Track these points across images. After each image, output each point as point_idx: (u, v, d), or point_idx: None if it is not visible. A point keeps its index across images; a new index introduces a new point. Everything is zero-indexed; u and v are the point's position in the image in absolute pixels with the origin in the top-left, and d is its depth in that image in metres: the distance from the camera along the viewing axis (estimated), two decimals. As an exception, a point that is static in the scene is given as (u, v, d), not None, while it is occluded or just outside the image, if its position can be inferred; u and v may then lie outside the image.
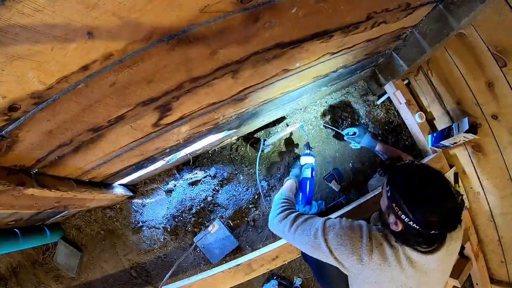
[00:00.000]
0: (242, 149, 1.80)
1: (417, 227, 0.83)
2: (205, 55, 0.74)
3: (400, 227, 0.88)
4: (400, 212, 0.86)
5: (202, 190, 1.73)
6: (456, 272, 1.60)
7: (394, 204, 0.88)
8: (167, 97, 0.85)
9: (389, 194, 0.91)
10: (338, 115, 1.83)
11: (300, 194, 1.51)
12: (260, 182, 1.77)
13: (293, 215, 1.09)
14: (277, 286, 1.65)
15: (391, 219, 0.91)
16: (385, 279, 0.93)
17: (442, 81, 1.47)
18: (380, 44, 1.30)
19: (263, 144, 1.66)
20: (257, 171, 1.61)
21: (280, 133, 1.67)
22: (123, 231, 1.69)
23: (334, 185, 1.71)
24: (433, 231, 0.83)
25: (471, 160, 1.49)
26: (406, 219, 0.84)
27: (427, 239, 0.89)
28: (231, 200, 1.74)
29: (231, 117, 1.26)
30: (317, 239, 0.97)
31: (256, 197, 1.75)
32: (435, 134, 1.52)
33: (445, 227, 0.85)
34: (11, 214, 1.21)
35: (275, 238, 1.69)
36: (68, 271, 1.64)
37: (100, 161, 1.10)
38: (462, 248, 1.66)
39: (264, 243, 1.68)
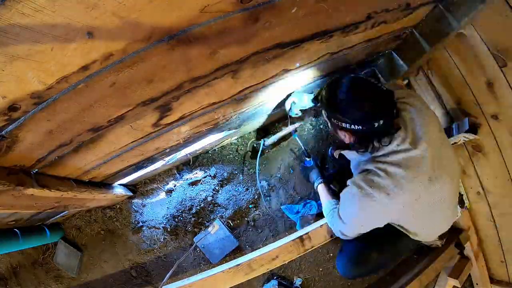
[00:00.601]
0: (242, 149, 1.80)
1: (360, 127, 0.89)
2: (205, 55, 0.74)
3: (350, 137, 0.96)
4: (340, 123, 0.93)
5: (202, 190, 1.73)
6: (456, 272, 1.60)
7: (333, 120, 0.95)
8: (167, 97, 0.84)
9: (326, 115, 1.00)
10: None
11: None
12: (260, 182, 1.77)
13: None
14: (277, 286, 1.65)
15: (341, 135, 0.99)
16: (407, 201, 0.97)
17: (442, 81, 1.47)
18: (380, 44, 1.29)
19: (263, 145, 1.66)
20: (257, 171, 1.61)
21: (280, 133, 1.67)
22: (123, 231, 1.69)
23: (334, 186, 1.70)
24: (376, 122, 0.87)
25: (471, 160, 1.49)
26: (347, 125, 0.91)
27: (380, 133, 0.92)
28: (231, 200, 1.74)
29: (231, 117, 1.26)
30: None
31: (256, 197, 1.75)
32: None
33: (383, 112, 0.88)
34: (11, 214, 1.21)
35: (275, 238, 1.69)
36: (68, 271, 1.64)
37: (100, 161, 1.10)
38: (462, 247, 1.66)
39: (264, 243, 1.68)
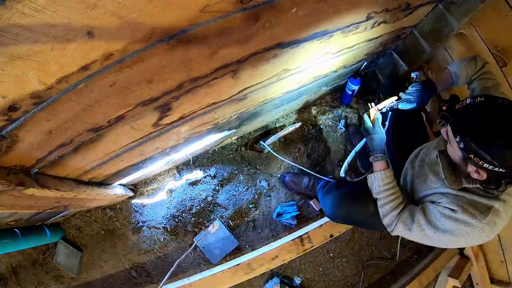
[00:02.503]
0: (242, 149, 1.80)
1: (504, 170, 0.75)
2: (205, 55, 0.74)
3: (483, 175, 0.81)
4: (481, 162, 0.77)
5: (202, 190, 1.73)
6: (456, 272, 1.60)
7: (472, 156, 0.78)
8: (167, 97, 0.84)
9: (462, 146, 0.80)
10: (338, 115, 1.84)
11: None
12: (260, 182, 1.77)
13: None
14: (279, 284, 1.65)
15: (470, 168, 0.84)
16: None
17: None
18: (380, 44, 1.30)
19: (263, 145, 1.66)
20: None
21: (280, 133, 1.67)
22: (123, 231, 1.69)
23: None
24: None
25: (471, 160, 1.48)
26: (490, 167, 0.76)
27: None
28: (231, 200, 1.74)
29: (231, 117, 1.26)
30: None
31: (256, 197, 1.75)
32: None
33: None
34: (11, 214, 1.21)
35: (275, 238, 1.69)
36: (68, 271, 1.64)
37: (100, 161, 1.10)
38: (462, 248, 1.66)
39: (264, 243, 1.68)
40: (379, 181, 1.11)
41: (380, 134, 1.14)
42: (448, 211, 0.93)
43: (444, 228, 0.94)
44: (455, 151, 0.87)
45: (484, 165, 0.77)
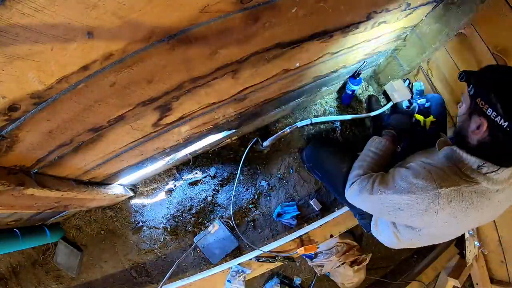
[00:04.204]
0: (242, 149, 1.79)
1: (506, 123, 0.73)
2: (205, 55, 0.74)
3: (483, 129, 0.79)
4: (486, 105, 0.76)
5: (202, 190, 1.73)
6: (456, 272, 1.60)
7: (478, 99, 0.79)
8: (167, 97, 0.84)
9: (472, 92, 0.82)
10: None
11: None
12: (260, 182, 1.77)
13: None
14: (279, 285, 1.65)
15: (473, 123, 0.82)
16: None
17: (442, 81, 1.47)
18: (380, 44, 1.30)
19: (261, 145, 1.66)
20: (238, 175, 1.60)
21: (279, 133, 1.67)
22: (123, 231, 1.69)
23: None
24: None
25: (471, 160, 1.48)
26: (493, 113, 0.75)
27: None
28: (231, 200, 1.74)
29: (231, 117, 1.26)
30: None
31: (256, 197, 1.75)
32: None
33: None
34: (11, 214, 1.21)
35: (275, 238, 1.69)
36: (68, 271, 1.64)
37: (100, 161, 1.10)
38: (463, 247, 1.66)
39: (264, 243, 1.68)
40: (374, 143, 1.17)
41: (407, 118, 1.26)
42: (410, 172, 0.91)
43: (396, 187, 0.91)
44: (464, 102, 0.87)
45: (488, 111, 0.76)
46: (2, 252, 1.36)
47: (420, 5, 1.08)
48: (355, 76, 1.54)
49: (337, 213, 1.53)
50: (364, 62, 1.41)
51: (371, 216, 1.21)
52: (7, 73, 0.51)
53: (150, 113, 0.89)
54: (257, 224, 1.73)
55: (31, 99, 0.60)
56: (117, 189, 1.49)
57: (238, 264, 1.34)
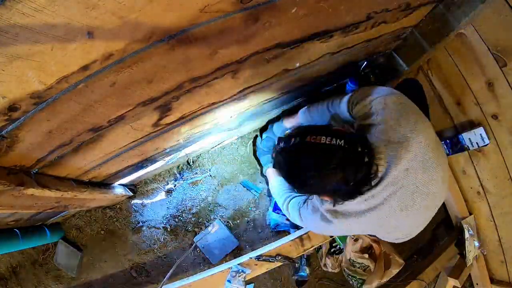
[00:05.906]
0: (242, 149, 1.79)
1: (337, 189, 0.81)
2: (205, 55, 0.74)
3: (331, 198, 0.88)
4: (313, 196, 0.96)
5: (202, 190, 1.73)
6: (456, 272, 1.60)
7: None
8: (167, 97, 0.84)
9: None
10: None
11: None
12: (260, 182, 1.77)
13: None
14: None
15: (323, 198, 0.93)
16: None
17: (442, 81, 1.47)
18: (380, 44, 1.29)
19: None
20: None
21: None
22: (123, 231, 1.69)
23: None
24: (352, 181, 0.77)
25: (471, 160, 1.49)
26: (322, 195, 0.89)
27: (347, 194, 0.84)
28: (231, 200, 1.74)
29: (231, 117, 1.26)
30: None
31: (256, 197, 1.75)
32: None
33: (351, 173, 0.77)
34: (11, 214, 1.21)
35: (275, 238, 1.69)
36: (68, 271, 1.64)
37: (100, 161, 1.10)
38: (463, 247, 1.66)
39: (264, 243, 1.68)
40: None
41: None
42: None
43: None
44: None
45: (319, 196, 0.93)
46: (2, 252, 1.36)
47: (420, 5, 1.08)
48: (355, 76, 1.54)
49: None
50: (365, 62, 1.41)
51: None
52: (7, 73, 0.51)
53: (150, 113, 0.89)
54: (257, 224, 1.73)
55: (31, 99, 0.60)
56: (117, 189, 1.49)
57: (238, 264, 1.34)
